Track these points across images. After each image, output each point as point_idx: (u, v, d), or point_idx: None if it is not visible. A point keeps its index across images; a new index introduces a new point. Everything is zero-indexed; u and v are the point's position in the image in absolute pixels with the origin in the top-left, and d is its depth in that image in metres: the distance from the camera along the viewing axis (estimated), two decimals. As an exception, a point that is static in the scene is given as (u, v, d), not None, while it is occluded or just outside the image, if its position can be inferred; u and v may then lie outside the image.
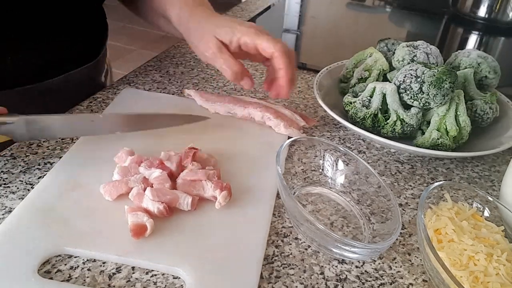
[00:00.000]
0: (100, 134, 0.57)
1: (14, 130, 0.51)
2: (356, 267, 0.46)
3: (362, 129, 0.62)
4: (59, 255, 0.43)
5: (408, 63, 0.66)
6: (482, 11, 1.25)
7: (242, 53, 0.62)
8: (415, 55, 0.67)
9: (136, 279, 0.42)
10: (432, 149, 0.61)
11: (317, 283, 0.44)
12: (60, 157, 0.57)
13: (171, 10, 0.66)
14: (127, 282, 0.42)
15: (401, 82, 0.63)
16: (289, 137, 0.61)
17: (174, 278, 0.42)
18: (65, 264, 0.42)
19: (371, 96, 0.65)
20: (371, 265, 0.46)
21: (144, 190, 0.49)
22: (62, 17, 0.64)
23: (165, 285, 0.42)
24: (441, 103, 0.61)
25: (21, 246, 0.43)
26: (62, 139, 0.60)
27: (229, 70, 0.59)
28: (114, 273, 0.42)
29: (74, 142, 0.59)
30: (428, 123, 0.64)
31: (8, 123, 0.50)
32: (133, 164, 0.52)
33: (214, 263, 0.43)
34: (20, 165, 0.55)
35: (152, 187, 0.49)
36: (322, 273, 0.45)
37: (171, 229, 0.47)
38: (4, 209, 0.48)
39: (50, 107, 0.62)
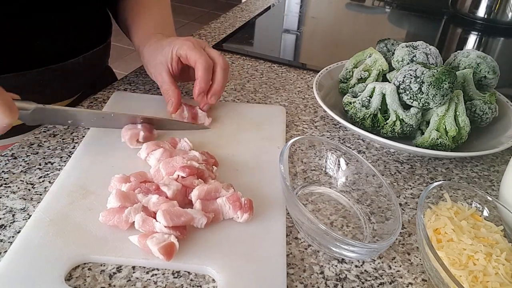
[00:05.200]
0: (108, 128, 0.61)
1: (27, 116, 0.55)
2: (356, 266, 0.46)
3: (362, 129, 0.63)
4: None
5: (408, 64, 0.67)
6: (481, 11, 1.25)
7: (188, 75, 0.69)
8: (415, 56, 0.67)
9: (137, 278, 0.42)
10: (431, 149, 0.61)
11: (317, 283, 0.44)
12: (61, 157, 0.57)
13: (133, 39, 0.74)
14: (127, 281, 0.42)
15: (400, 82, 0.63)
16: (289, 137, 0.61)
17: (174, 277, 0.42)
18: (66, 264, 0.43)
19: (370, 96, 0.65)
20: (370, 264, 0.46)
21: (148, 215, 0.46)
22: (77, 10, 0.71)
23: (166, 285, 0.42)
24: (440, 103, 0.62)
25: (43, 258, 0.42)
26: (63, 139, 0.60)
27: (167, 100, 0.65)
28: (114, 273, 0.42)
29: (75, 146, 0.60)
30: (428, 123, 0.64)
31: (25, 110, 0.54)
32: (130, 192, 0.49)
33: (241, 262, 0.44)
34: (21, 165, 0.55)
35: (155, 214, 0.46)
36: (322, 273, 0.45)
37: (190, 233, 0.46)
38: (5, 208, 0.48)
39: (68, 84, 0.73)
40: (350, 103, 0.67)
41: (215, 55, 0.65)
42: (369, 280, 0.45)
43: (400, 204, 0.55)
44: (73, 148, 0.59)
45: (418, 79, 0.61)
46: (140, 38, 0.72)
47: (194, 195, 0.49)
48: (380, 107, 0.64)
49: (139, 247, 0.44)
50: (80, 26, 0.73)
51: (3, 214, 0.48)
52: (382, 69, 0.71)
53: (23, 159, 0.56)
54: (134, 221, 0.46)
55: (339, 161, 0.56)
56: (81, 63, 0.73)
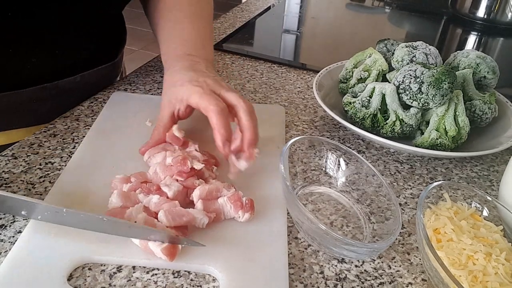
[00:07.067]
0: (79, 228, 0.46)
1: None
2: (356, 266, 0.46)
3: (362, 129, 0.63)
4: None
5: (407, 64, 0.67)
6: (481, 12, 1.25)
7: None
8: (414, 56, 0.67)
9: (137, 278, 0.42)
10: (431, 149, 0.61)
11: (317, 282, 0.44)
12: (61, 157, 0.57)
13: (161, 52, 0.67)
14: (127, 281, 0.42)
15: (400, 83, 0.63)
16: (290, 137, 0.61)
17: (174, 277, 0.43)
18: (66, 264, 0.43)
19: (370, 97, 0.65)
20: (370, 264, 0.46)
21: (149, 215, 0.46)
22: (81, 22, 0.66)
23: (166, 285, 0.42)
24: (440, 103, 0.62)
25: (45, 259, 0.42)
26: (63, 139, 0.60)
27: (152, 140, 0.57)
28: (114, 273, 0.42)
29: (75, 146, 0.60)
30: (427, 123, 0.64)
31: None
32: (131, 192, 0.49)
33: (243, 262, 0.44)
34: (21, 165, 0.55)
35: (156, 215, 0.46)
36: (321, 272, 0.45)
37: (192, 233, 0.46)
38: (5, 208, 0.48)
39: (65, 102, 0.67)
40: (350, 103, 0.67)
41: (233, 98, 0.55)
42: (369, 280, 0.45)
43: (400, 204, 0.55)
44: (73, 148, 0.59)
45: (418, 79, 0.61)
46: (166, 57, 0.65)
47: (195, 195, 0.49)
48: (380, 107, 0.64)
49: (140, 248, 0.44)
50: (83, 40, 0.68)
51: (4, 214, 0.48)
52: (382, 69, 0.71)
53: (24, 159, 0.56)
54: (135, 222, 0.46)
55: (339, 161, 0.56)
56: (79, 82, 0.69)
